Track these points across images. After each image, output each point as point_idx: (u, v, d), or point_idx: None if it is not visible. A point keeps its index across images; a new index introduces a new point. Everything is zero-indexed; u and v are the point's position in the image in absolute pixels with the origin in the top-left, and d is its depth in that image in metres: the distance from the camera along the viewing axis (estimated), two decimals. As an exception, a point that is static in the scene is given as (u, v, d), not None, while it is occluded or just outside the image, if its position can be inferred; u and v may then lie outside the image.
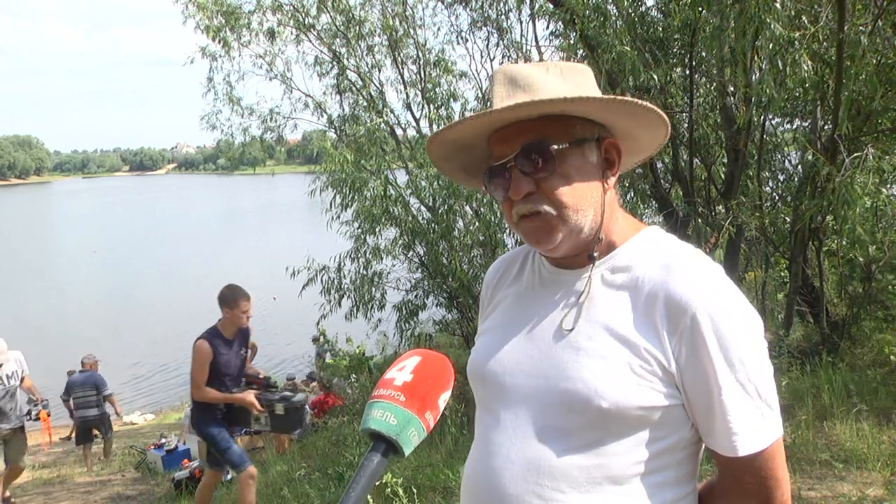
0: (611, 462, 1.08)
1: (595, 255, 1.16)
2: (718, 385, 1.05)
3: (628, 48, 5.89)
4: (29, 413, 8.19)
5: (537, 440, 1.11)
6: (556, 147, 1.10)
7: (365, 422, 0.96)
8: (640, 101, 1.11)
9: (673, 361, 1.07)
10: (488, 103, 1.16)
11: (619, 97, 1.11)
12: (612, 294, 1.13)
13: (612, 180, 1.18)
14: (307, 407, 9.99)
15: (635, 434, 1.08)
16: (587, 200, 1.13)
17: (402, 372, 1.01)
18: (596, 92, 1.18)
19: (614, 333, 1.10)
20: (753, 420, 1.08)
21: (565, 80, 1.15)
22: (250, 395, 4.97)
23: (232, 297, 4.96)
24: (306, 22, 10.67)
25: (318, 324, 11.15)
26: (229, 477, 7.28)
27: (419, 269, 9.64)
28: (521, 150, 1.11)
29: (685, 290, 1.07)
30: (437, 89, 10.22)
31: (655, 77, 6.14)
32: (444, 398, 1.02)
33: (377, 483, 4.46)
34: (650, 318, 1.08)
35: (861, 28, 4.93)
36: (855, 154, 4.93)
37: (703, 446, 1.15)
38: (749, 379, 1.07)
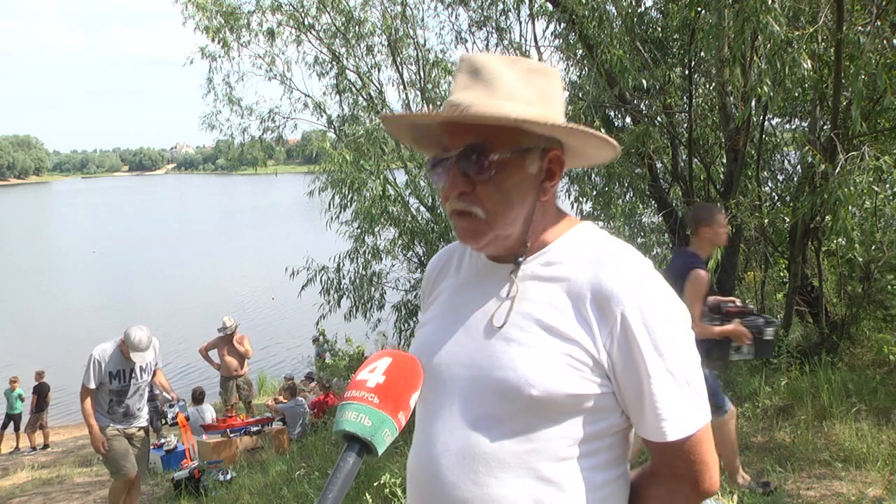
0: (543, 447, 1.12)
1: (521, 259, 1.20)
2: (648, 374, 1.09)
3: (623, 51, 5.89)
4: (164, 415, 6.89)
5: (472, 428, 1.14)
6: (496, 156, 1.13)
7: (339, 423, 0.99)
8: (592, 131, 1.15)
9: (604, 352, 1.11)
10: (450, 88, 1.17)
11: (563, 124, 1.14)
12: (544, 287, 1.17)
13: (550, 191, 1.21)
14: (307, 407, 10.01)
15: (566, 420, 1.12)
16: (518, 210, 1.17)
17: (373, 373, 1.03)
18: (558, 97, 1.21)
19: (545, 325, 1.13)
20: (682, 407, 1.11)
21: (527, 81, 1.17)
22: (739, 326, 4.27)
23: (708, 213, 4.30)
24: (306, 22, 10.68)
25: (317, 324, 11.15)
26: (229, 477, 7.28)
27: (418, 269, 9.65)
28: (462, 151, 1.13)
29: (615, 284, 1.11)
30: (436, 90, 10.22)
31: (645, 82, 6.14)
32: (414, 398, 1.05)
33: (375, 484, 4.46)
34: (581, 311, 1.12)
35: (860, 28, 4.94)
36: (851, 153, 4.93)
37: (633, 430, 1.19)
38: (678, 368, 1.11)
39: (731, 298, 4.74)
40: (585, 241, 1.21)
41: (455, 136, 1.15)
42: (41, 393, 13.04)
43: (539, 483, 1.12)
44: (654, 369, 1.09)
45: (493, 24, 9.97)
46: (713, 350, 4.33)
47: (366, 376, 1.03)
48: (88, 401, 5.49)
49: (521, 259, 1.20)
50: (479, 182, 1.14)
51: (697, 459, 1.14)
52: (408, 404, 1.03)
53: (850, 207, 4.66)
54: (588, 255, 1.17)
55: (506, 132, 1.13)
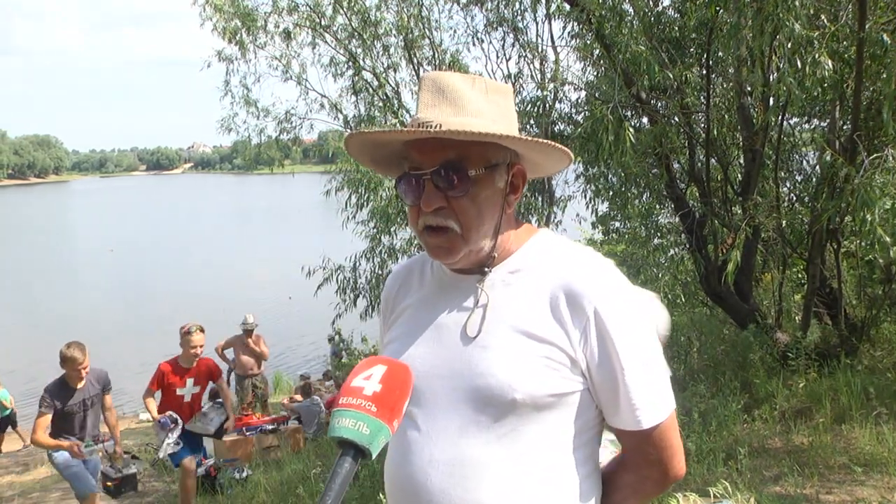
0: (527, 449, 1.17)
1: (487, 270, 1.24)
2: (622, 367, 1.16)
3: (643, 48, 5.85)
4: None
5: (458, 437, 1.18)
6: (473, 172, 1.17)
7: (336, 430, 1.00)
8: (557, 145, 1.22)
9: (579, 350, 1.17)
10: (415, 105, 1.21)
11: (541, 140, 1.20)
12: (513, 293, 1.22)
13: (514, 204, 1.27)
14: (322, 406, 10.03)
15: (547, 420, 1.17)
16: (489, 223, 1.21)
17: (369, 381, 1.05)
18: (513, 115, 1.27)
19: (519, 330, 1.18)
20: (653, 395, 1.19)
21: (488, 99, 1.22)
22: None
23: None
24: (322, 23, 10.73)
25: (333, 323, 11.20)
26: (245, 475, 7.32)
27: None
28: (439, 167, 1.16)
29: (584, 284, 1.17)
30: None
31: (672, 76, 6.10)
32: (406, 405, 1.08)
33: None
34: (554, 312, 1.18)
35: (883, 26, 4.87)
36: (875, 154, 4.87)
37: (602, 428, 1.27)
38: (647, 361, 1.19)
39: None
40: (547, 246, 1.27)
41: (426, 153, 1.18)
42: None
43: (526, 483, 1.16)
44: (627, 362, 1.16)
45: (509, 25, 9.97)
46: None
47: (361, 383, 1.04)
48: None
49: (487, 269, 1.24)
50: (455, 198, 1.17)
51: (667, 445, 1.22)
52: (401, 412, 1.05)
53: (875, 210, 4.60)
54: (554, 259, 1.23)
55: (478, 148, 1.17)
